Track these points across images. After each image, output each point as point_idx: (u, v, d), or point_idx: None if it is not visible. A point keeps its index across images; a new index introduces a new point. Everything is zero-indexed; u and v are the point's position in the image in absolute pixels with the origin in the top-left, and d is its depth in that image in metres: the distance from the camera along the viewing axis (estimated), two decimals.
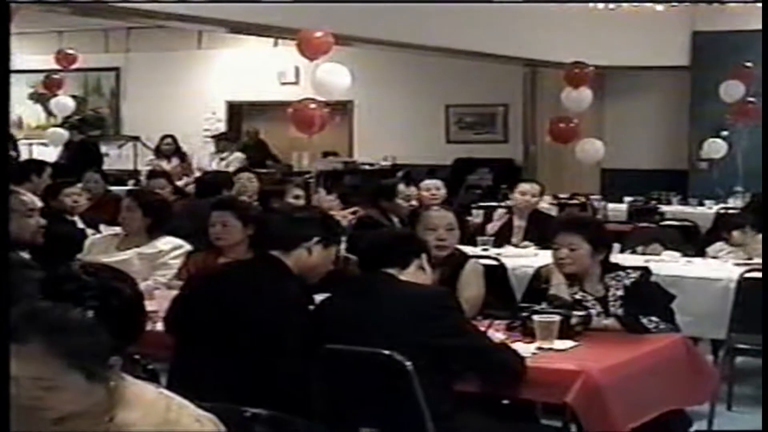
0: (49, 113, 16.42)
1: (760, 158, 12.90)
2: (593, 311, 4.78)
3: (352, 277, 4.66)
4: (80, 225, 7.80)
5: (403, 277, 4.19)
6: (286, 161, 16.77)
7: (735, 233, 7.39)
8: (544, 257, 5.93)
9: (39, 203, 7.28)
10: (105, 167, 14.44)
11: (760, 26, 12.53)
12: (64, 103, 15.30)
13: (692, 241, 8.41)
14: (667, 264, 6.90)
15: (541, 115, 14.66)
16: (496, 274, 6.11)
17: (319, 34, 9.73)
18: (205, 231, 5.99)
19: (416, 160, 15.88)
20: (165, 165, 13.92)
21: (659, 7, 14.19)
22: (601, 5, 13.83)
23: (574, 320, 4.55)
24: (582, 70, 12.50)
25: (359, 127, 17.13)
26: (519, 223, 8.37)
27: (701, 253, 7.49)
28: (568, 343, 4.40)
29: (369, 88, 15.78)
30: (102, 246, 6.44)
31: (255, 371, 3.95)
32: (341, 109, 16.08)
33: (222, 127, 17.37)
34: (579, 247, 4.91)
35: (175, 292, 4.68)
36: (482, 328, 4.41)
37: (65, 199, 8.03)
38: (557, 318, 4.43)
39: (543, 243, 6.41)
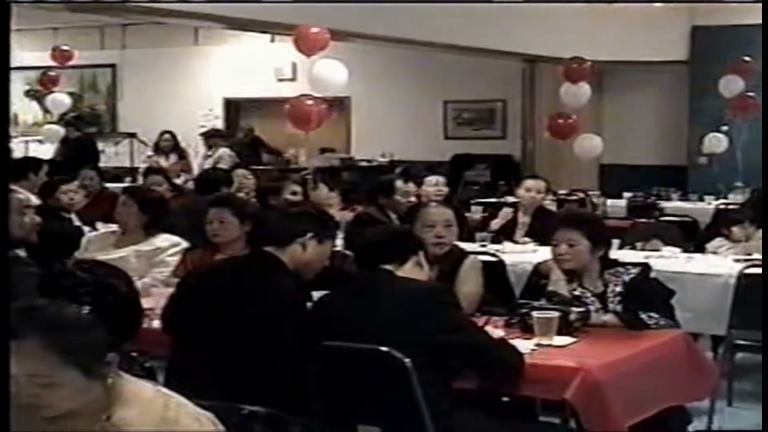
0: (45, 110, 16.41)
1: (760, 153, 12.90)
2: (592, 307, 4.78)
3: (350, 274, 4.65)
4: (77, 222, 7.79)
5: (400, 274, 4.19)
6: (280, 159, 16.78)
7: (735, 229, 7.39)
8: (543, 253, 5.93)
9: (35, 200, 7.30)
10: (101, 164, 14.43)
11: (759, 21, 12.53)
12: (60, 100, 15.29)
13: (692, 236, 8.41)
14: (667, 260, 6.90)
15: (540, 110, 14.68)
16: (495, 271, 6.11)
17: (315, 30, 9.73)
18: (203, 228, 5.99)
19: (414, 157, 15.87)
20: (163, 162, 13.92)
21: (658, 3, 14.19)
22: None
23: (573, 316, 4.55)
24: (580, 65, 12.50)
25: (357, 123, 17.14)
26: (524, 219, 8.33)
27: (701, 249, 7.49)
28: (567, 340, 4.39)
29: (366, 84, 15.79)
30: (99, 243, 6.43)
31: (252, 368, 3.95)
32: (338, 105, 16.09)
33: (219, 123, 17.38)
34: (578, 243, 4.91)
35: (172, 290, 4.68)
36: (479, 324, 4.41)
37: (62, 196, 8.03)
38: (556, 314, 4.43)
39: (546, 240, 6.41)
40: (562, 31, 13.39)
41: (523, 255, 7.05)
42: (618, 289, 4.89)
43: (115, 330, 2.58)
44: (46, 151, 15.07)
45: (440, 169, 13.81)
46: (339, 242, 7.48)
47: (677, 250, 7.29)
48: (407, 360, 3.81)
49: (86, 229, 7.47)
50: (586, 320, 4.63)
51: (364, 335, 3.93)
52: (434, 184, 9.23)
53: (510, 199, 11.85)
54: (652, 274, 5.11)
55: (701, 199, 12.70)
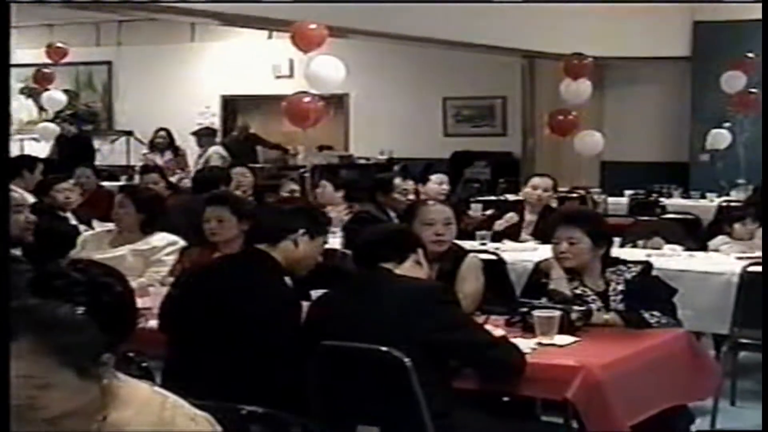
0: (41, 108, 16.41)
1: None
2: (594, 306, 4.78)
3: (349, 272, 4.65)
4: (73, 221, 7.79)
5: (399, 273, 4.19)
6: (281, 156, 16.77)
7: (737, 226, 7.39)
8: (543, 252, 5.93)
9: (30, 199, 7.30)
10: (97, 162, 14.44)
11: (761, 16, 12.51)
12: (55, 97, 15.28)
13: (694, 234, 8.40)
14: (669, 258, 6.89)
15: (540, 107, 14.67)
16: (495, 269, 6.11)
17: (313, 26, 9.72)
18: (200, 227, 5.99)
19: (413, 154, 15.87)
20: (158, 159, 13.92)
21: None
22: None
23: (574, 315, 4.55)
24: (581, 61, 12.49)
25: (355, 120, 17.14)
26: (530, 218, 8.29)
27: (703, 247, 7.48)
28: (568, 339, 4.39)
29: (365, 81, 15.78)
30: (95, 242, 6.43)
31: (248, 367, 3.96)
32: (336, 102, 16.08)
33: (217, 121, 17.38)
34: (579, 241, 4.91)
35: (169, 289, 4.69)
36: (479, 323, 4.41)
37: (57, 194, 8.02)
38: (557, 313, 4.43)
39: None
40: (563, 27, 13.38)
41: (523, 253, 7.04)
42: (619, 287, 4.89)
43: (110, 330, 2.57)
44: (41, 149, 15.07)
45: (439, 166, 13.80)
46: (338, 240, 7.53)
47: (679, 248, 7.28)
48: (407, 359, 3.81)
49: (82, 227, 7.47)
50: (588, 319, 4.63)
51: (363, 334, 3.92)
52: (439, 183, 9.23)
53: (510, 197, 11.88)
54: (654, 273, 5.11)
55: (703, 197, 12.70)
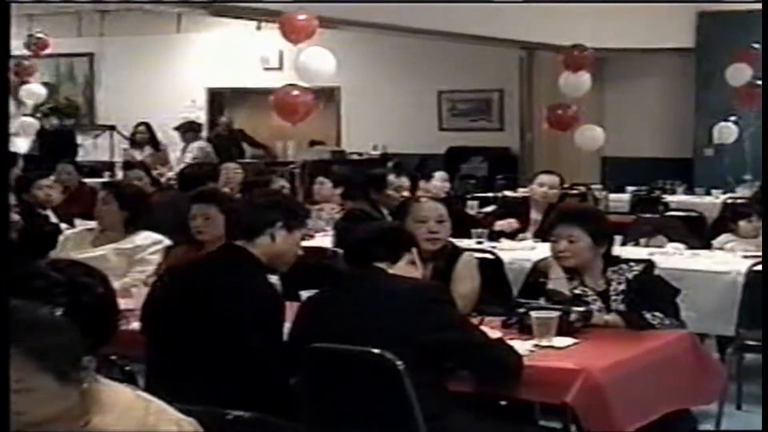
0: (20, 102, 16.38)
1: None
2: (594, 307, 4.79)
3: (340, 272, 4.65)
4: (54, 219, 7.79)
5: (393, 272, 4.19)
6: (269, 152, 16.77)
7: (742, 224, 7.39)
8: (542, 250, 5.93)
9: (10, 198, 7.28)
10: (79, 158, 14.43)
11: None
12: (35, 90, 15.24)
13: (698, 232, 8.42)
14: (672, 257, 6.91)
15: (538, 101, 14.67)
16: (492, 268, 6.12)
17: (303, 16, 9.71)
18: (186, 225, 5.98)
19: (407, 149, 15.88)
20: (137, 155, 13.90)
21: None
22: None
23: (573, 316, 4.56)
24: (581, 53, 12.51)
25: (347, 114, 17.13)
26: (535, 217, 8.27)
27: (707, 245, 7.49)
28: (567, 341, 4.40)
29: (356, 74, 15.78)
30: (76, 241, 6.43)
31: (232, 368, 3.96)
32: (327, 95, 16.08)
33: (203, 115, 17.36)
34: (579, 239, 4.92)
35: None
36: (475, 324, 4.41)
37: (38, 192, 8.02)
38: (556, 314, 4.44)
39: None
40: (562, 18, 13.37)
41: (521, 252, 7.05)
42: (620, 287, 4.90)
43: (91, 332, 2.57)
44: (21, 144, 15.03)
45: (435, 162, 13.83)
46: (329, 239, 7.54)
47: (682, 246, 7.29)
48: (400, 362, 3.81)
49: (63, 226, 7.47)
50: (588, 320, 4.64)
51: (355, 336, 3.93)
52: (442, 180, 9.22)
53: (508, 193, 11.90)
54: (657, 272, 5.12)
55: (708, 193, 12.72)
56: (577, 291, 4.90)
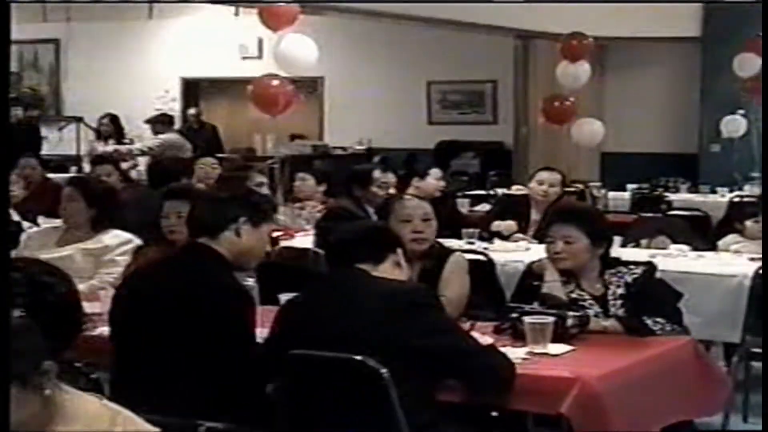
0: None
1: None
2: (591, 312, 4.80)
3: (321, 274, 4.66)
4: (15, 217, 7.77)
5: (377, 274, 4.20)
6: (248, 145, 16.75)
7: (749, 224, 7.39)
8: (537, 252, 5.95)
9: None
10: (44, 152, 14.39)
11: None
12: None
13: (703, 233, 8.44)
14: (675, 259, 6.92)
15: (534, 92, 14.68)
16: (483, 271, 6.13)
17: (283, 2, 9.71)
18: (157, 223, 5.98)
19: (394, 144, 15.90)
20: (101, 148, 13.87)
21: None
22: None
23: (569, 322, 4.57)
24: (580, 41, 12.54)
25: (330, 106, 17.14)
26: (535, 217, 8.25)
27: (712, 247, 7.51)
28: (562, 348, 4.41)
29: (341, 63, 15.79)
30: (40, 240, 6.42)
31: (201, 376, 3.97)
32: (309, 86, 16.09)
33: (177, 107, 17.34)
34: (576, 240, 4.93)
35: None
36: (465, 329, 4.42)
37: None
38: (551, 319, 4.44)
39: None
40: (560, 5, 13.40)
41: (514, 253, 7.06)
42: (619, 291, 4.91)
43: (52, 335, 2.57)
44: None
45: (423, 157, 13.83)
46: (309, 239, 7.55)
47: (686, 247, 7.30)
48: (384, 370, 3.82)
49: (26, 224, 7.45)
50: (584, 326, 4.65)
51: (337, 342, 3.93)
52: (437, 179, 9.22)
53: (501, 191, 11.91)
54: (658, 275, 5.13)
55: (714, 191, 12.75)
56: (573, 295, 4.91)
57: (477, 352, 4.09)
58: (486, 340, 4.40)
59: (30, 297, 2.73)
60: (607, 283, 4.96)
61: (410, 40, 15.59)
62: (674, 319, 4.82)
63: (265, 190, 8.60)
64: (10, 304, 2.57)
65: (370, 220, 7.26)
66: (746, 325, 6.23)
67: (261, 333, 4.28)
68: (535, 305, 4.73)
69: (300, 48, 9.94)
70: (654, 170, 13.69)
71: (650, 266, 5.10)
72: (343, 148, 16.36)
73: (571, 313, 4.62)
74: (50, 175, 10.81)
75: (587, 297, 4.92)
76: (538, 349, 4.36)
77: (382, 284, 4.15)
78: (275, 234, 7.61)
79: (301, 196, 9.25)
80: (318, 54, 10.03)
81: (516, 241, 7.81)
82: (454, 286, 5.30)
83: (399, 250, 4.36)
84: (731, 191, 12.50)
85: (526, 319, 4.46)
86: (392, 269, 4.27)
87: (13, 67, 17.51)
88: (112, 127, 14.40)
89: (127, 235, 6.28)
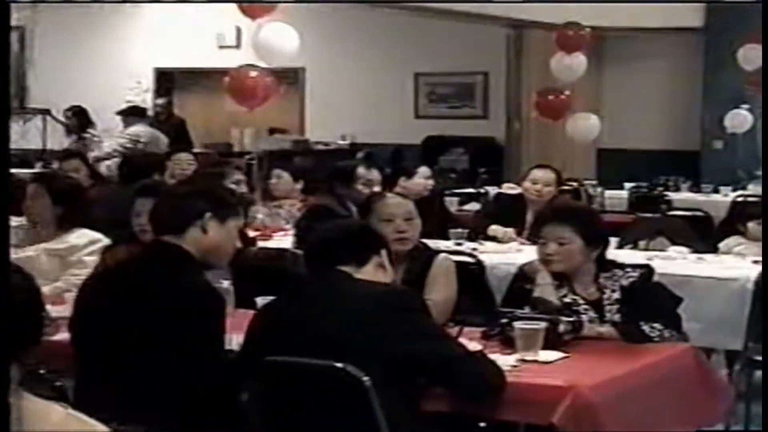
0: None
1: None
2: (585, 317, 4.81)
3: (300, 276, 4.66)
4: None
5: (359, 277, 4.20)
6: (225, 139, 16.74)
7: (752, 225, 7.41)
8: (529, 253, 5.95)
9: None
10: None
11: None
12: None
13: (704, 234, 8.45)
14: (674, 261, 6.94)
15: (527, 85, 14.71)
16: (472, 273, 6.14)
17: None
18: (128, 222, 5.97)
19: (379, 139, 15.89)
20: (66, 143, 13.84)
21: None
22: None
23: (562, 327, 4.57)
24: (576, 32, 12.56)
25: (312, 99, 17.14)
26: (530, 219, 8.23)
27: (714, 249, 7.53)
28: (555, 355, 4.41)
29: (323, 53, 15.79)
30: None
31: (170, 382, 3.95)
32: (290, 77, 16.08)
33: (149, 98, 17.31)
34: (569, 241, 4.94)
35: None
36: (452, 335, 4.42)
37: None
38: (542, 325, 4.44)
39: None
40: None
41: (505, 255, 7.06)
42: (615, 295, 4.92)
43: (12, 337, 2.56)
44: None
45: (410, 153, 13.84)
46: (288, 239, 7.54)
47: (686, 249, 7.33)
48: (366, 378, 3.82)
49: None
50: (578, 331, 4.65)
51: (317, 348, 3.93)
52: (425, 177, 9.21)
53: (491, 189, 11.91)
54: (656, 278, 5.14)
55: (716, 191, 12.79)
56: (566, 299, 4.92)
57: (464, 358, 4.08)
58: (474, 346, 4.40)
59: None
60: (603, 286, 4.97)
61: (397, 29, 15.59)
62: (673, 325, 4.83)
63: (243, 188, 8.60)
64: (9, 304, 2.57)
65: (351, 219, 7.25)
66: (748, 331, 6.25)
67: (237, 338, 4.28)
68: (527, 310, 4.74)
69: (280, 37, 9.93)
70: (653, 168, 13.73)
71: (648, 269, 5.10)
72: (325, 144, 16.35)
73: (564, 319, 4.62)
74: (14, 171, 10.78)
75: (581, 301, 4.92)
76: (529, 356, 4.36)
77: (364, 287, 4.15)
78: (252, 234, 7.62)
79: (277, 195, 9.24)
80: (299, 43, 10.03)
81: (507, 242, 7.81)
82: (440, 289, 5.30)
83: (383, 252, 4.35)
84: (735, 190, 12.53)
85: (517, 324, 4.46)
86: (376, 271, 4.27)
87: None
88: (76, 120, 14.33)
89: (95, 235, 6.26)
